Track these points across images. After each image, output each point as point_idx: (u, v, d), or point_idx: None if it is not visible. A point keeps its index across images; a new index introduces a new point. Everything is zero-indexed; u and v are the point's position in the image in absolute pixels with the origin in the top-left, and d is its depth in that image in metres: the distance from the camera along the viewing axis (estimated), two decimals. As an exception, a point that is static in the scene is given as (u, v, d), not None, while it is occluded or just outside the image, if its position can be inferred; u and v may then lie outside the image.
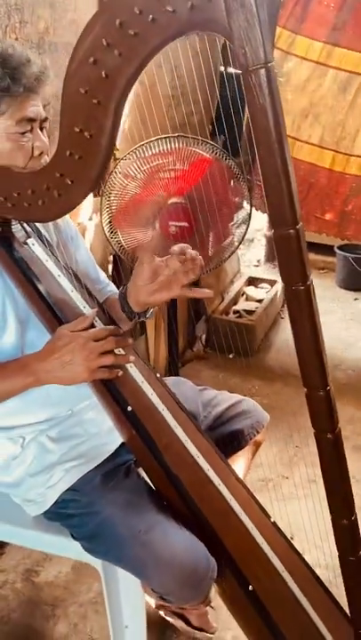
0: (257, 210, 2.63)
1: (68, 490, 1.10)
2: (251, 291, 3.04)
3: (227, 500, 1.11)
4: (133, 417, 1.07)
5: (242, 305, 2.89)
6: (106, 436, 1.18)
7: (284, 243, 0.85)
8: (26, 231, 1.07)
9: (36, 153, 1.01)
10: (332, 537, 1.05)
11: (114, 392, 1.07)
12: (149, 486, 1.12)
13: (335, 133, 2.67)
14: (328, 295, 3.39)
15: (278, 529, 1.19)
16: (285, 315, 3.19)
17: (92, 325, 1.03)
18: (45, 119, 1.03)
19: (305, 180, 2.77)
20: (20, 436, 1.14)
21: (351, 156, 2.68)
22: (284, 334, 2.98)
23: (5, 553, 1.64)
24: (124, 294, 1.13)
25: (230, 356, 2.72)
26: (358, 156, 2.67)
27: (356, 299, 3.42)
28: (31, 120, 1.00)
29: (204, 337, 2.76)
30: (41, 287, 1.06)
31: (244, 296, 3.01)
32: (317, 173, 2.75)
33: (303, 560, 1.20)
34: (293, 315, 0.89)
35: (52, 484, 1.11)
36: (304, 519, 1.46)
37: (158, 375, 1.15)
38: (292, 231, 0.84)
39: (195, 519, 1.08)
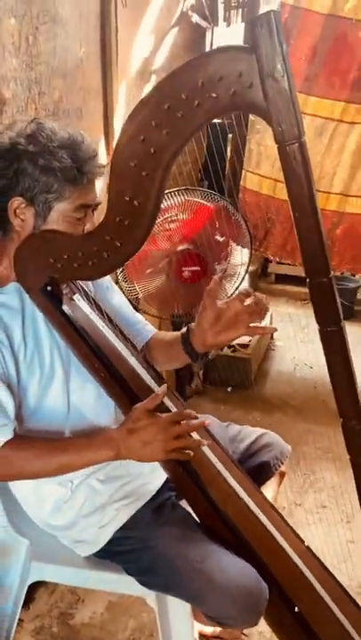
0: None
1: (120, 528, 1.17)
2: (241, 325, 3.15)
3: (267, 528, 1.19)
4: (179, 455, 1.15)
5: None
6: (148, 475, 1.25)
7: (319, 290, 0.96)
8: (71, 288, 1.16)
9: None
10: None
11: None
12: (196, 518, 1.19)
13: (314, 173, 2.82)
14: (313, 325, 3.52)
15: (312, 552, 1.27)
16: (275, 346, 3.33)
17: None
18: (98, 204, 1.13)
19: (288, 218, 2.88)
20: (68, 480, 1.21)
21: (330, 193, 2.85)
22: (276, 365, 3.10)
23: (36, 599, 1.67)
24: (186, 337, 1.22)
25: (228, 389, 2.81)
26: (337, 194, 2.85)
27: (339, 327, 3.56)
28: (87, 206, 1.11)
29: (201, 372, 2.85)
30: (89, 339, 1.14)
31: (236, 330, 3.12)
32: (299, 211, 2.91)
33: (336, 580, 1.27)
34: (328, 353, 1.00)
35: (105, 524, 1.18)
36: (321, 543, 1.55)
37: (195, 413, 1.23)
38: (325, 280, 0.96)
39: (241, 547, 1.15)
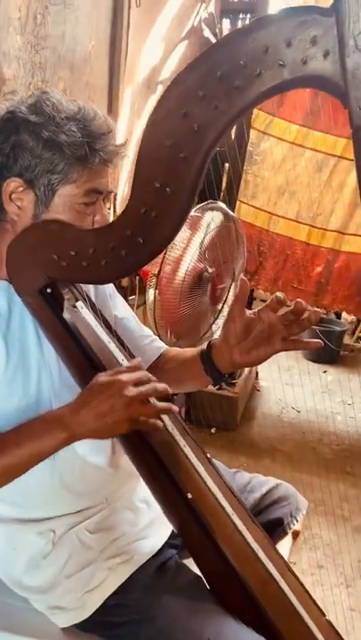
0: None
1: (112, 593, 0.94)
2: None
3: (289, 598, 0.99)
4: (192, 505, 0.94)
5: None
6: (146, 529, 1.04)
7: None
8: (73, 293, 0.96)
9: (95, 226, 0.92)
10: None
11: (170, 477, 0.94)
12: (204, 582, 0.97)
13: (311, 209, 2.75)
14: (297, 367, 3.37)
15: (333, 627, 1.07)
16: (260, 386, 3.15)
17: None
18: (110, 192, 0.95)
19: (282, 252, 2.82)
20: (50, 529, 0.98)
21: (327, 230, 2.75)
22: (262, 406, 2.92)
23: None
24: (208, 354, 1.00)
25: (212, 430, 2.61)
26: (333, 231, 2.75)
27: (324, 371, 3.42)
28: (98, 192, 0.92)
29: (183, 410, 2.65)
30: (91, 354, 0.94)
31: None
32: (294, 246, 2.81)
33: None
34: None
35: (94, 587, 0.95)
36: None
37: (209, 455, 1.04)
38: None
39: (259, 619, 0.94)
